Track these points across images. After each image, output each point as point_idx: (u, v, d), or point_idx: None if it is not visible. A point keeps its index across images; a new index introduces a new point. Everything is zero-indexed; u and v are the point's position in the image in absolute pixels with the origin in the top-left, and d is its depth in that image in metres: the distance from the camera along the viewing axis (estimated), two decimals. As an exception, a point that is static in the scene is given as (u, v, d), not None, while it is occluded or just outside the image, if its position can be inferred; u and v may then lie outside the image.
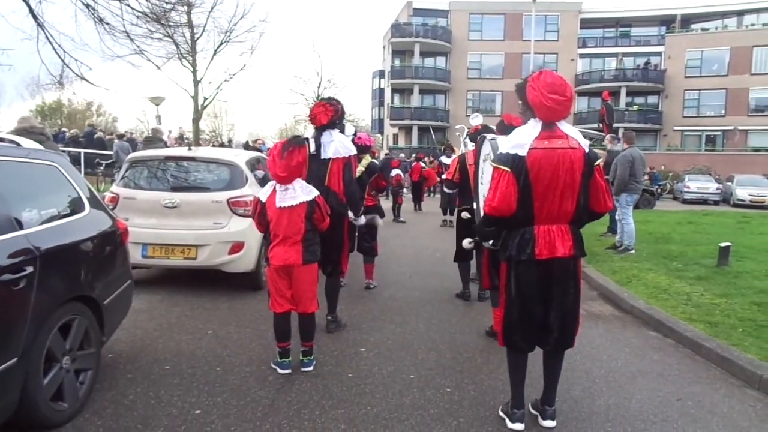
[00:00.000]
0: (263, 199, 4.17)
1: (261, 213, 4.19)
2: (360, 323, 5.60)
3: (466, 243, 5.53)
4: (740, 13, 44.09)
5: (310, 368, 4.29)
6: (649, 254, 9.47)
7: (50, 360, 3.15)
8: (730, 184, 28.67)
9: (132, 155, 7.21)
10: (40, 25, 7.82)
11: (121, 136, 18.95)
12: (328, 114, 4.92)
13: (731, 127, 41.83)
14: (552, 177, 3.24)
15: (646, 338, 5.54)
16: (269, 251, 4.20)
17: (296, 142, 4.08)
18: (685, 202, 27.25)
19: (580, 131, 3.52)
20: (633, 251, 9.47)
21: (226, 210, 6.34)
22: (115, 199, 6.43)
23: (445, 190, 8.46)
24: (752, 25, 43.31)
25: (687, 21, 45.40)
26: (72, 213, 3.67)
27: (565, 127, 3.37)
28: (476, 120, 7.03)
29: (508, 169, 3.27)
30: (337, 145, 4.92)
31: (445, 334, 5.37)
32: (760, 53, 41.40)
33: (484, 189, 3.99)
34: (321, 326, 5.20)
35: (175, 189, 6.48)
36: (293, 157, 3.98)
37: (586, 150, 3.33)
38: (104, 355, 4.33)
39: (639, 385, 4.29)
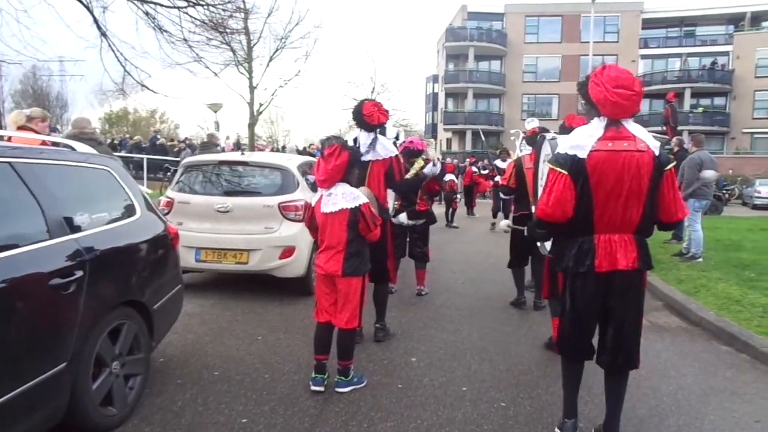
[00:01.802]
0: (313, 203, 4.06)
1: (311, 217, 4.08)
2: (411, 331, 5.46)
3: (504, 224, 5.26)
4: (816, 9, 41.62)
5: (345, 390, 3.94)
6: (718, 263, 8.94)
7: (100, 365, 3.15)
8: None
9: (186, 160, 7.31)
10: (103, 33, 8.08)
11: (183, 141, 19.36)
12: (383, 119, 4.87)
13: (806, 129, 39.53)
14: (615, 183, 2.98)
15: (717, 353, 5.17)
16: (316, 257, 4.08)
17: (336, 143, 3.88)
18: (756, 207, 25.84)
19: None
20: (701, 259, 8.96)
21: (277, 214, 6.32)
22: (170, 204, 6.52)
23: (501, 195, 8.23)
24: (829, 20, 40.84)
25: (757, 19, 43.18)
26: (123, 217, 3.68)
27: (633, 127, 3.10)
28: (531, 124, 6.81)
29: (565, 172, 3.03)
30: (377, 147, 4.81)
31: (499, 344, 5.16)
32: (839, 50, 39.01)
33: None
34: (370, 334, 5.09)
35: (227, 193, 6.51)
36: (331, 160, 3.81)
37: (656, 153, 3.05)
38: (155, 359, 4.35)
39: (712, 405, 3.97)
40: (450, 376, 4.34)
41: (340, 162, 3.80)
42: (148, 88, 8.91)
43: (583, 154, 3.02)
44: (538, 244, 4.16)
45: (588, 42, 35.55)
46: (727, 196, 27.35)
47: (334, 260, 3.87)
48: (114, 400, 3.27)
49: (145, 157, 23.33)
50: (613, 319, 3.16)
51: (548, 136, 3.99)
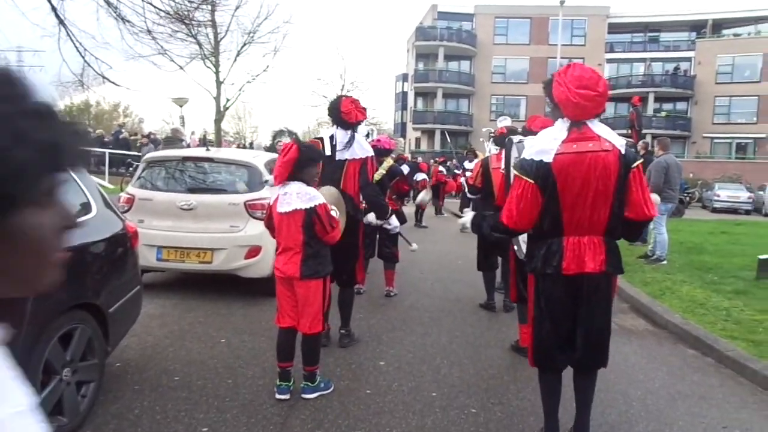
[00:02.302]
0: (271, 201, 3.89)
1: (269, 217, 3.91)
2: (379, 334, 5.35)
3: (462, 222, 4.88)
4: (774, 18, 42.92)
5: (311, 396, 3.79)
6: (682, 265, 9.07)
7: (49, 372, 2.95)
8: (762, 193, 27.84)
9: (149, 155, 7.07)
10: (61, 22, 7.73)
11: (146, 136, 18.81)
12: (360, 116, 4.72)
13: (763, 135, 40.70)
14: (582, 185, 2.94)
15: (683, 356, 5.20)
16: (275, 259, 3.90)
17: (292, 139, 3.79)
18: (715, 210, 26.49)
19: None
20: (665, 262, 9.09)
21: (243, 213, 6.14)
22: (130, 200, 6.27)
23: (468, 195, 8.17)
24: (786, 30, 42.16)
25: (719, 26, 44.35)
26: (77, 215, 3.48)
27: (597, 126, 3.06)
28: (503, 122, 6.77)
29: (531, 180, 2.98)
30: (353, 146, 4.67)
31: (468, 347, 5.09)
32: (795, 59, 40.29)
33: None
34: (336, 340, 4.95)
35: (191, 191, 6.30)
36: (281, 156, 3.68)
37: (622, 151, 3.01)
38: (111, 364, 4.15)
39: (680, 410, 3.97)
40: (419, 380, 4.24)
41: (288, 159, 3.65)
42: (109, 80, 8.58)
43: (548, 158, 2.97)
44: (515, 247, 4.10)
45: (556, 45, 36.11)
46: (688, 199, 27.98)
47: (291, 262, 3.70)
48: (65, 409, 3.07)
49: (107, 151, 22.70)
50: (582, 322, 3.11)
51: (515, 139, 3.93)
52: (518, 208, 3.03)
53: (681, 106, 44.06)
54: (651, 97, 42.18)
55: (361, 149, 4.71)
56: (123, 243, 3.83)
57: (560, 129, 3.03)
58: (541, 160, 2.98)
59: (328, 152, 4.62)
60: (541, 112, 39.20)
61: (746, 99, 41.41)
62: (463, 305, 6.56)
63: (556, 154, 2.96)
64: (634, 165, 3.05)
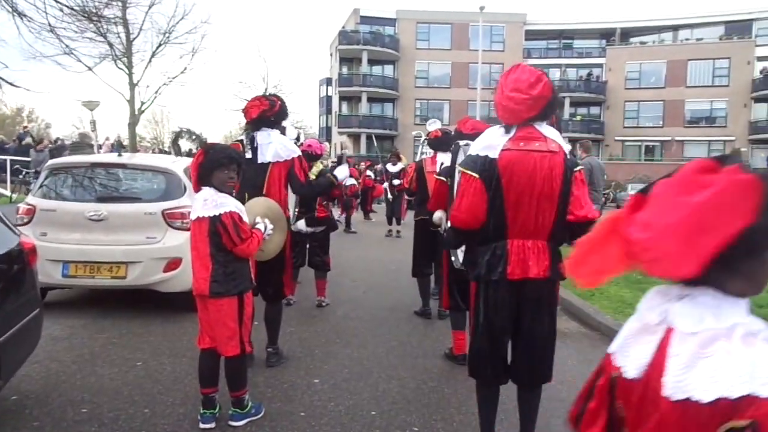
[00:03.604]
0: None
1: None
2: (312, 348, 5.04)
3: (437, 218, 4.44)
4: (675, 28, 45.76)
5: (240, 424, 3.45)
6: (606, 265, 9.27)
7: None
8: (670, 192, 29.43)
9: (52, 162, 6.44)
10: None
11: (37, 143, 17.44)
12: (261, 108, 4.27)
13: (669, 138, 43.33)
14: (527, 183, 2.82)
15: (618, 357, 5.19)
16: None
17: (191, 137, 3.45)
18: (629, 210, 27.75)
19: None
20: (591, 262, 9.25)
21: (161, 222, 5.67)
22: (30, 212, 5.67)
23: (406, 197, 8.02)
24: (687, 39, 45.04)
25: (626, 34, 46.81)
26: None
27: (544, 128, 2.96)
28: (433, 125, 6.65)
29: (476, 176, 2.86)
30: (276, 147, 4.28)
31: (406, 358, 4.88)
32: (695, 67, 43.06)
33: None
34: (262, 359, 4.57)
35: (102, 199, 5.76)
36: (193, 159, 3.41)
37: (567, 155, 2.94)
38: (6, 398, 3.68)
39: (623, 415, 3.90)
40: (357, 399, 3.98)
41: (194, 163, 3.35)
42: (4, 80, 7.81)
43: (494, 153, 2.87)
44: (452, 258, 3.93)
45: (476, 50, 36.87)
46: (603, 200, 29.19)
47: (201, 277, 3.32)
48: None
49: (8, 158, 21.06)
50: (525, 332, 2.97)
51: (462, 143, 3.78)
52: (464, 205, 2.88)
53: (594, 110, 46.18)
54: (567, 102, 43.93)
55: (286, 150, 4.33)
56: (16, 261, 3.35)
57: (508, 128, 2.92)
58: (487, 156, 2.87)
59: (248, 155, 4.27)
60: (463, 115, 39.98)
61: (653, 104, 43.97)
62: (398, 313, 6.36)
63: (501, 150, 2.85)
64: (577, 169, 2.97)
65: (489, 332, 2.97)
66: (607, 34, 46.89)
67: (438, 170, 4.98)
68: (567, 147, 2.96)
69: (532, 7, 63.36)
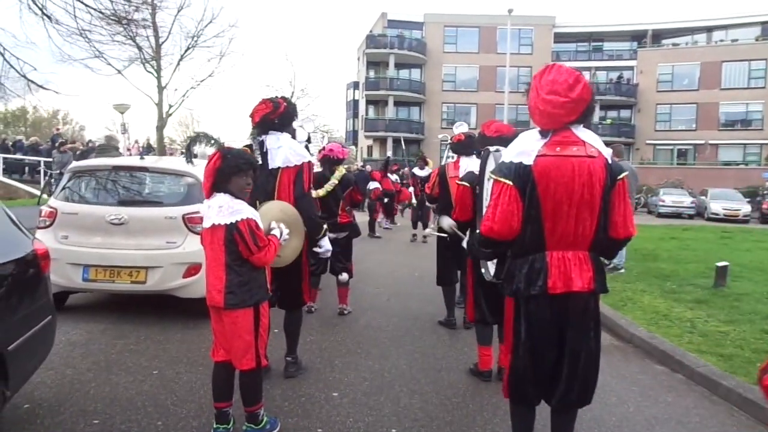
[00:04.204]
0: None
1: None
2: (332, 358, 4.89)
3: (446, 225, 4.39)
4: (709, 29, 44.67)
5: None
6: (639, 273, 8.97)
7: None
8: (704, 198, 28.72)
9: (75, 164, 6.41)
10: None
11: (62, 144, 17.28)
12: (264, 111, 4.09)
13: (702, 141, 42.29)
14: (565, 191, 2.63)
15: (654, 374, 4.94)
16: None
17: (209, 141, 3.29)
18: (660, 215, 27.13)
19: None
20: (623, 270, 8.96)
21: (181, 227, 5.58)
22: (53, 214, 5.63)
23: (427, 204, 7.82)
24: (721, 40, 43.95)
25: (658, 36, 45.88)
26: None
27: (582, 132, 2.75)
28: (460, 129, 6.43)
29: (510, 183, 2.66)
30: (286, 152, 4.10)
31: (429, 371, 4.69)
32: (729, 68, 41.97)
33: None
34: (280, 370, 4.43)
35: (123, 203, 5.71)
36: (207, 165, 3.19)
37: (609, 160, 2.72)
38: (19, 406, 3.59)
39: (660, 438, 3.66)
40: (377, 414, 3.81)
41: (210, 168, 3.16)
42: (32, 81, 7.84)
43: (528, 160, 2.67)
44: (483, 270, 3.72)
45: (504, 53, 36.48)
46: (635, 205, 28.57)
47: (215, 288, 3.17)
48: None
49: (42, 159, 21.45)
50: (569, 350, 2.77)
51: (492, 149, 3.59)
52: (497, 213, 2.69)
53: (625, 113, 45.34)
54: (597, 105, 43.21)
55: (296, 155, 4.13)
56: (29, 267, 3.26)
57: (542, 131, 2.72)
58: (521, 162, 2.67)
59: (258, 160, 4.13)
60: (491, 119, 39.59)
61: (685, 107, 43.00)
62: (422, 323, 6.17)
63: (537, 156, 2.65)
64: (621, 176, 2.73)
65: (531, 351, 2.79)
66: (638, 36, 46.01)
67: (461, 175, 4.79)
68: (607, 151, 2.74)
69: (562, 9, 62.61)
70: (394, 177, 16.38)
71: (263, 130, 4.14)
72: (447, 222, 4.35)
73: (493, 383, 4.40)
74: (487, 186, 3.43)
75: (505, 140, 4.17)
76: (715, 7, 49.34)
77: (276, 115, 4.12)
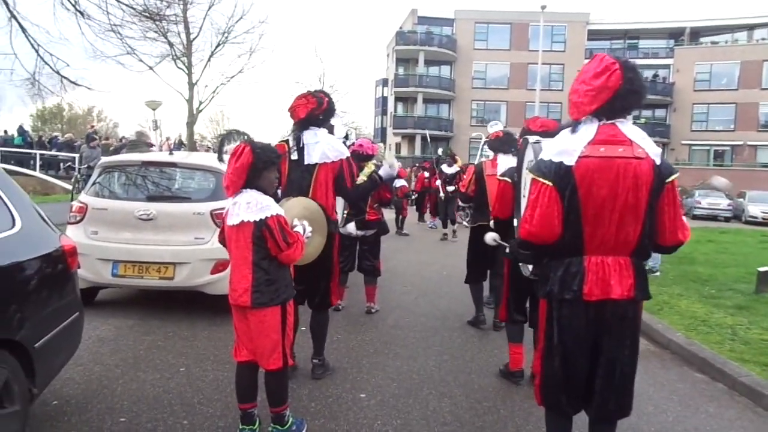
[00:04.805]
0: (225, 212, 3.27)
1: (222, 230, 3.32)
2: (359, 358, 4.81)
3: (490, 239, 4.27)
4: (751, 27, 43.33)
5: None
6: (675, 277, 8.69)
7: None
8: (741, 200, 27.91)
9: (105, 159, 6.45)
10: (12, 15, 7.10)
11: (91, 139, 16.62)
12: (309, 106, 4.02)
13: (740, 142, 41.10)
14: (609, 195, 2.48)
15: (693, 382, 4.74)
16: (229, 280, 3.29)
17: (243, 141, 3.13)
18: (696, 218, 26.43)
19: None
20: (658, 273, 8.70)
21: (209, 223, 5.56)
22: (83, 210, 5.66)
23: (460, 203, 7.69)
24: (763, 39, 42.53)
25: (696, 34, 44.73)
26: (-4, 230, 2.89)
27: (630, 129, 2.59)
28: (495, 127, 6.30)
29: (550, 183, 2.52)
30: (324, 148, 4.02)
31: (459, 374, 4.57)
32: (771, 68, 40.71)
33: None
34: (307, 370, 4.36)
35: (151, 199, 5.71)
36: (232, 161, 3.08)
37: (658, 161, 2.55)
38: (47, 403, 3.59)
39: (702, 452, 3.49)
40: (405, 417, 3.71)
41: (241, 164, 3.04)
42: (66, 78, 7.94)
43: (570, 161, 2.52)
44: (520, 265, 3.59)
45: (536, 51, 35.96)
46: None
47: (241, 287, 3.10)
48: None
49: (76, 156, 21.83)
50: (605, 359, 2.62)
51: (532, 139, 3.43)
52: (535, 215, 2.55)
53: (660, 113, 44.32)
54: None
55: (334, 151, 4.06)
56: (57, 263, 3.23)
57: (587, 128, 2.57)
58: (561, 162, 2.52)
59: (294, 156, 4.06)
60: (521, 117, 39.24)
61: (724, 107, 41.80)
62: (451, 323, 6.05)
63: (579, 157, 2.50)
64: (670, 179, 2.57)
65: (563, 355, 2.65)
66: (675, 34, 44.94)
67: (499, 172, 4.66)
68: (656, 151, 2.57)
69: (596, 5, 61.40)
70: (426, 174, 16.23)
71: (305, 127, 4.08)
72: (490, 236, 4.25)
73: (525, 387, 4.28)
74: (525, 176, 3.30)
75: (550, 135, 4.05)
76: (757, 5, 47.85)
77: (321, 111, 4.07)
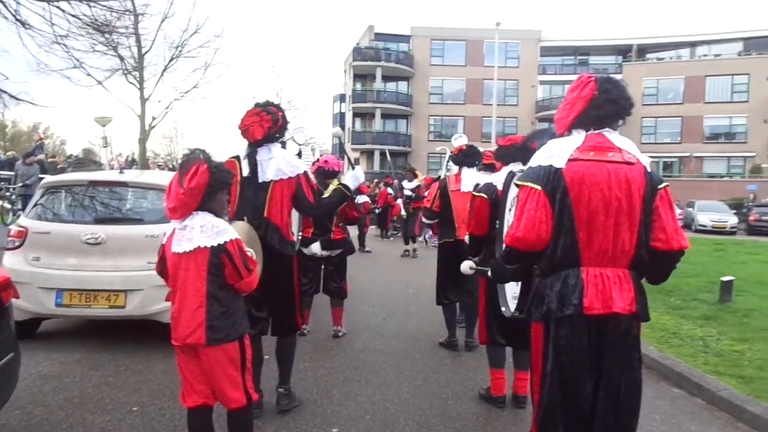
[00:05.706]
0: (164, 239, 2.92)
1: (161, 259, 2.95)
2: (329, 388, 4.51)
3: (466, 268, 4.07)
4: (693, 44, 45.23)
5: None
6: (641, 288, 8.68)
7: None
8: (690, 209, 28.75)
9: (48, 179, 6.01)
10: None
11: (28, 155, 15.06)
12: (264, 125, 3.72)
13: (687, 154, 42.60)
14: (602, 198, 2.36)
15: (672, 398, 4.64)
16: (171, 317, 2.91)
17: (195, 158, 2.79)
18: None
19: None
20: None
21: (163, 246, 5.19)
22: (22, 234, 5.22)
23: (424, 220, 7.51)
24: (704, 55, 44.49)
25: (643, 51, 46.33)
26: None
27: (618, 138, 2.50)
28: (459, 140, 6.18)
29: (538, 187, 2.39)
30: (278, 163, 3.75)
31: (434, 400, 4.33)
32: (713, 83, 42.43)
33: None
34: (272, 404, 4.02)
35: (100, 221, 5.31)
36: (185, 181, 2.72)
37: (648, 168, 2.44)
38: (-23, 455, 3.16)
39: (694, 477, 3.33)
40: (382, 453, 3.44)
41: (197, 184, 2.72)
42: (6, 92, 7.44)
43: (560, 163, 2.40)
44: (503, 309, 3.40)
45: (491, 66, 36.56)
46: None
47: (193, 322, 2.73)
48: None
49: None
50: (607, 381, 2.43)
51: (516, 169, 3.33)
52: (524, 221, 2.40)
53: (612, 126, 45.51)
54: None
55: (289, 166, 3.79)
56: (-13, 298, 2.87)
57: (574, 137, 2.49)
58: (551, 165, 2.41)
59: (246, 172, 3.78)
60: (478, 132, 39.73)
61: (670, 120, 43.33)
62: (422, 344, 5.81)
63: (569, 160, 2.39)
64: (661, 186, 2.47)
65: (561, 382, 2.44)
66: (623, 51, 46.42)
67: (464, 187, 4.57)
68: (646, 159, 2.47)
69: (548, 23, 63.22)
70: (389, 190, 16.14)
71: (260, 145, 3.80)
72: (466, 265, 4.04)
73: (507, 411, 4.08)
74: (507, 217, 3.13)
75: (517, 148, 3.94)
76: (699, 23, 49.95)
77: (277, 129, 3.82)
